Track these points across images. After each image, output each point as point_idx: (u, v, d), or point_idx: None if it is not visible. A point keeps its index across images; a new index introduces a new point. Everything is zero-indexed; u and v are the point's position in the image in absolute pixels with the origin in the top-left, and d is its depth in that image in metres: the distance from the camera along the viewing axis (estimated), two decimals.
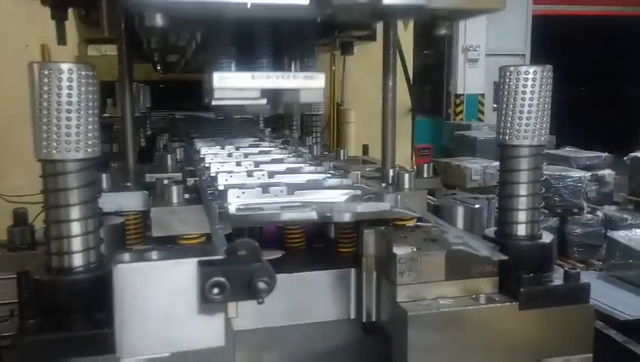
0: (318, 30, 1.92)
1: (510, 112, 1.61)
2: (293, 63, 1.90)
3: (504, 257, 1.50)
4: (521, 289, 1.52)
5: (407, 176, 1.89)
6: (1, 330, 1.82)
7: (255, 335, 1.65)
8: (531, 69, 1.59)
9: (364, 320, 1.72)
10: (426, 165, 2.12)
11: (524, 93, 1.59)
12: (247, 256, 1.13)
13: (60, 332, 1.24)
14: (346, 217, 1.59)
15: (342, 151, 2.74)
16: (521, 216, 1.64)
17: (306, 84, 1.71)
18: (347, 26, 2.26)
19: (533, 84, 1.59)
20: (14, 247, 1.74)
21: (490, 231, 1.73)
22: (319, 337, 1.74)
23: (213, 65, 1.74)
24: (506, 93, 1.62)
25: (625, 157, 7.22)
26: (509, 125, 1.61)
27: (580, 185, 7.29)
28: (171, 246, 1.31)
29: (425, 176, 2.15)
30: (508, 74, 1.61)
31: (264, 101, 1.74)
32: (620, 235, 5.47)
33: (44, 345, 1.22)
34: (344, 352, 1.76)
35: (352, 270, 1.73)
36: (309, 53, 1.87)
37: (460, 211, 1.89)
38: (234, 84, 1.66)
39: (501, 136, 1.64)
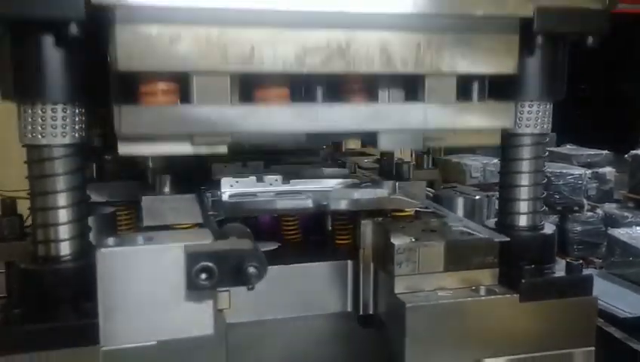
0: None
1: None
2: None
3: (506, 239, 1.46)
4: (522, 281, 1.48)
5: (405, 166, 1.85)
6: None
7: (249, 328, 1.61)
8: None
9: (360, 313, 1.68)
10: (425, 156, 2.08)
11: None
12: (236, 241, 1.09)
13: (46, 323, 1.20)
14: (344, 205, 1.53)
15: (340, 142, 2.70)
16: (523, 206, 1.60)
17: None
18: None
19: None
20: (2, 238, 1.70)
21: (491, 221, 1.69)
22: (315, 330, 1.70)
23: None
24: None
25: (625, 155, 7.18)
26: None
27: (580, 182, 7.25)
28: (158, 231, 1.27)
29: (424, 167, 2.12)
30: None
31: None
32: (620, 233, 5.42)
33: (29, 335, 1.18)
34: (341, 346, 1.72)
35: (349, 262, 1.69)
36: None
37: (460, 202, 1.85)
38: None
39: None
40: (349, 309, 1.70)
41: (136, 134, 1.25)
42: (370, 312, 1.66)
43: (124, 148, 1.26)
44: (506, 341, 1.48)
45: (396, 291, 1.47)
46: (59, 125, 1.24)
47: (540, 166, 1.60)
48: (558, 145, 8.55)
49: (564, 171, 7.27)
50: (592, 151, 7.98)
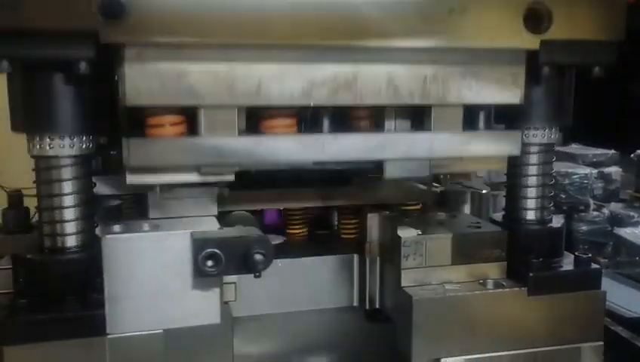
0: None
1: None
2: None
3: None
4: (530, 274, 1.47)
5: None
6: None
7: (255, 322, 1.61)
8: None
9: (367, 307, 1.68)
10: None
11: None
12: (243, 228, 1.08)
13: (52, 313, 1.19)
14: None
15: None
16: (530, 201, 1.58)
17: None
18: None
19: None
20: (9, 230, 1.69)
21: (498, 215, 1.68)
22: (321, 324, 1.70)
23: None
24: None
25: (632, 155, 7.15)
26: None
27: (586, 182, 7.20)
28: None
29: None
30: None
31: None
32: (627, 232, 5.39)
33: (35, 325, 1.17)
34: (346, 340, 1.71)
35: (355, 256, 1.69)
36: None
37: (467, 196, 1.84)
38: None
39: None
40: (355, 303, 1.69)
41: (145, 166, 1.25)
42: (377, 306, 1.66)
43: (133, 179, 1.26)
44: (514, 335, 1.47)
45: (403, 284, 1.47)
46: (66, 145, 1.22)
47: (547, 169, 1.57)
48: (564, 145, 8.51)
49: (570, 171, 7.22)
50: (598, 151, 7.94)
